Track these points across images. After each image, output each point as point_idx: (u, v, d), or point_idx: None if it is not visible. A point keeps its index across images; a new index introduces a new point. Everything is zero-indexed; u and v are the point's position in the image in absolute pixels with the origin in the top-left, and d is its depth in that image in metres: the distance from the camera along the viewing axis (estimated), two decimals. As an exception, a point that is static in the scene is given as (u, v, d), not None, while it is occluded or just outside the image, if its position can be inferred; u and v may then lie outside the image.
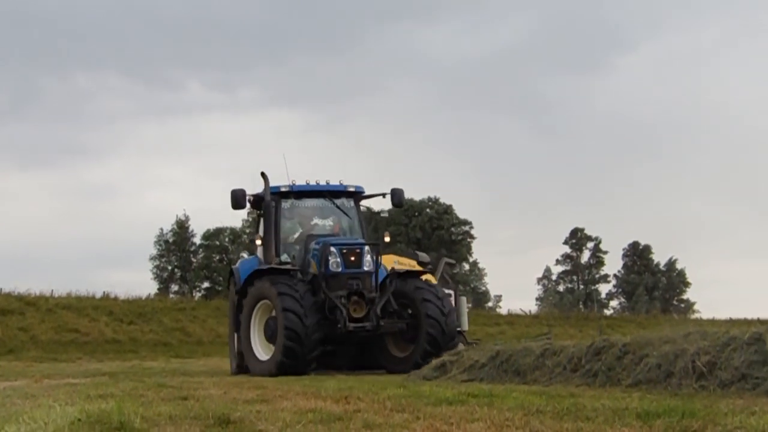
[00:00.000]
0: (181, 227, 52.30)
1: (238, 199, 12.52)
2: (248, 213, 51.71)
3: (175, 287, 51.78)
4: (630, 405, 4.56)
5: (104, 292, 30.74)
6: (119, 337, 27.19)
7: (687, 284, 61.03)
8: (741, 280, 73.47)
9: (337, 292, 11.30)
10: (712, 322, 30.27)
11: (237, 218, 66.20)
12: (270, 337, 11.24)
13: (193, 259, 52.54)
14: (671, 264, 61.60)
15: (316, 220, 13.02)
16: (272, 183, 12.36)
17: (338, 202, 12.90)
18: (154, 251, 51.98)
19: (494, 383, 7.44)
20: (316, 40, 78.20)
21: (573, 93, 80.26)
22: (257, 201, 12.74)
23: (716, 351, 6.16)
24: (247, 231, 51.10)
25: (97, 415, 4.43)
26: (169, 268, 52.40)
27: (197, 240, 52.41)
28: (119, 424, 4.18)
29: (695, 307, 58.22)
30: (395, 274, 11.96)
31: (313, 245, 11.99)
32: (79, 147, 73.26)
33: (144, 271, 53.10)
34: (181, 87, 75.85)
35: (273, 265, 11.72)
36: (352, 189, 13.01)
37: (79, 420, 4.33)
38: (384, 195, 13.28)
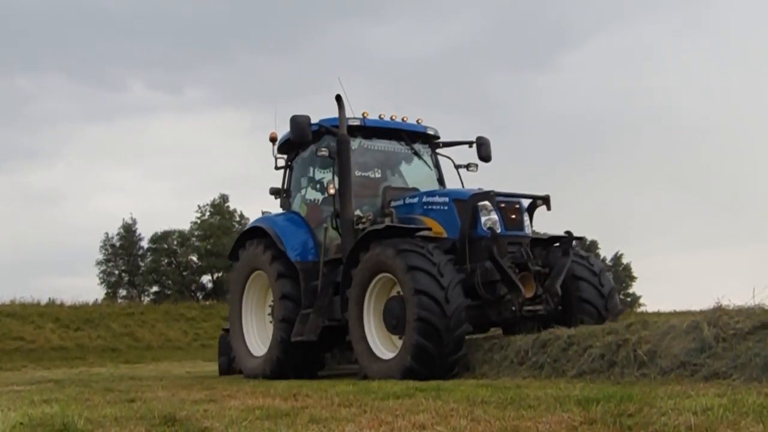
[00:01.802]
0: (128, 231, 51.46)
1: (303, 128, 9.42)
2: (197, 214, 51.18)
3: (123, 292, 50.92)
4: (571, 393, 4.67)
5: (50, 299, 30.24)
6: (66, 344, 26.71)
7: (633, 278, 62.31)
8: (683, 271, 75.35)
9: (485, 263, 8.15)
10: (657, 315, 31.05)
11: (185, 221, 65.53)
12: (395, 327, 8.08)
13: (141, 263, 51.73)
14: (617, 258, 62.86)
15: (388, 168, 10.50)
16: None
17: (415, 146, 10.45)
18: (100, 256, 51.07)
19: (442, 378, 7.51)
20: (263, 38, 77.79)
21: (520, 91, 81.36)
22: (292, 142, 10.16)
23: (656, 340, 6.33)
24: (196, 234, 50.58)
25: (39, 419, 4.37)
26: (117, 272, 51.51)
27: (145, 244, 51.62)
28: (62, 427, 4.13)
29: (641, 300, 59.49)
30: (536, 241, 8.92)
31: (410, 199, 9.28)
32: (20, 150, 71.38)
33: (90, 276, 52.10)
34: (125, 87, 74.49)
35: (392, 224, 8.76)
36: (431, 132, 10.55)
37: (22, 424, 4.27)
38: (470, 144, 10.69)
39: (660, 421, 3.42)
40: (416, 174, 10.52)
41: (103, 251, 51.08)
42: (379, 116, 10.14)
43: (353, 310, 8.46)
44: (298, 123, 9.44)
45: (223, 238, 48.94)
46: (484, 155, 10.65)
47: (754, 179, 76.29)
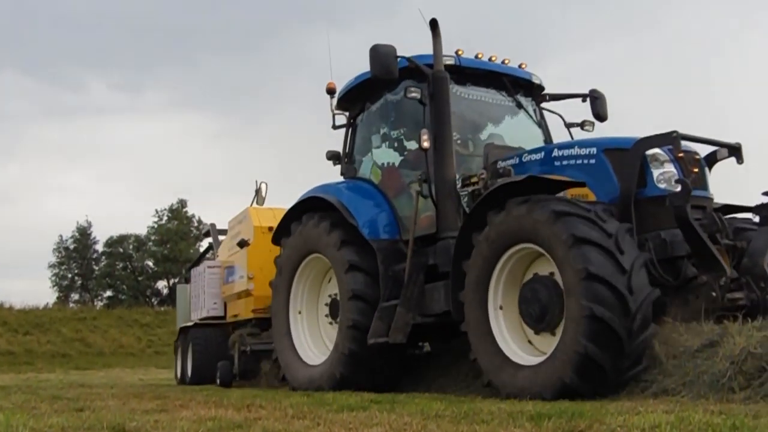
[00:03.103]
0: (83, 234, 50.67)
1: (387, 62, 7.32)
2: (154, 218, 50.48)
3: (75, 296, 50.06)
4: (525, 408, 4.71)
5: (-2, 302, 29.57)
6: (14, 349, 26.18)
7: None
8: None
9: (662, 233, 6.15)
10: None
11: (142, 225, 64.67)
12: (537, 319, 6.05)
13: (95, 267, 50.96)
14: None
15: (487, 122, 8.60)
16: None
17: (517, 98, 8.53)
18: (53, 259, 50.17)
19: (397, 391, 7.51)
20: (226, 41, 77.27)
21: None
22: (356, 94, 8.62)
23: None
24: (152, 238, 49.94)
25: (-18, 429, 4.26)
26: (69, 276, 50.64)
27: (99, 247, 50.88)
28: (6, 437, 4.03)
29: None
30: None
31: (531, 155, 7.22)
32: (-28, 149, 69.88)
33: (42, 279, 51.13)
34: (83, 88, 73.43)
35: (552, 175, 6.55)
36: (537, 81, 8.62)
37: (-38, 434, 4.15)
38: (584, 97, 8.76)
39: (609, 437, 3.47)
40: (519, 132, 8.44)
41: (57, 254, 50.29)
42: (476, 56, 8.22)
43: (473, 296, 6.37)
44: (382, 55, 7.30)
45: (181, 243, 48.50)
46: (600, 112, 8.71)
47: None
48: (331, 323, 8.49)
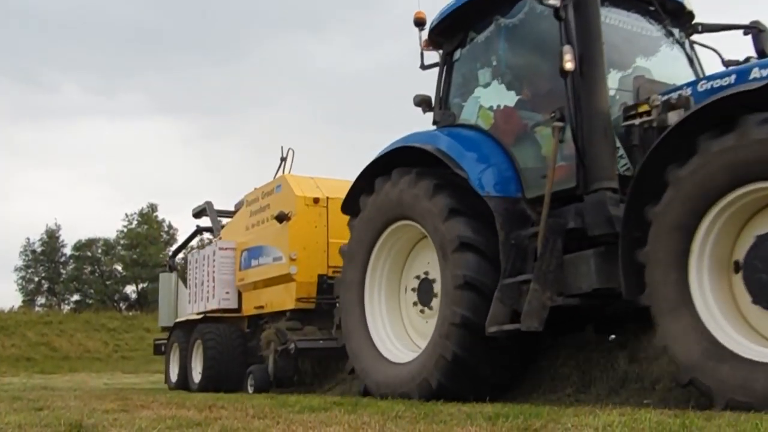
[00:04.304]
0: (51, 237, 50.04)
1: None
2: (124, 222, 49.96)
3: (41, 300, 49.39)
4: (483, 410, 4.77)
5: (-39, 304, 29.14)
6: (-23, 352, 25.73)
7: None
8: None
9: None
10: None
11: (111, 229, 63.98)
12: None
13: (63, 271, 50.33)
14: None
15: (633, 53, 6.85)
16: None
17: (667, 28, 6.94)
18: (19, 261, 49.49)
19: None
20: (203, 48, 76.95)
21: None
22: (457, 22, 7.21)
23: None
24: (122, 243, 49.46)
25: (-63, 425, 4.21)
26: (36, 279, 49.97)
27: (68, 251, 50.27)
28: (-39, 433, 3.99)
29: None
30: None
31: (714, 80, 5.50)
32: (-61, 149, 68.80)
33: (7, 282, 50.42)
34: (56, 89, 72.67)
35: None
36: (689, 8, 7.01)
37: None
38: (745, 30, 7.02)
39: (562, 436, 3.53)
40: (667, 67, 6.86)
41: (23, 257, 49.58)
42: None
43: (662, 263, 4.79)
44: None
45: (150, 248, 48.09)
46: (765, 48, 6.98)
47: None
48: (422, 311, 6.85)
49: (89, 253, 49.87)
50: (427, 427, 4.11)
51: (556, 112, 5.80)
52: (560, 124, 5.73)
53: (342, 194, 7.80)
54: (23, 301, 46.66)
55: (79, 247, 49.53)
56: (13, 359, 25.56)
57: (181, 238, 49.57)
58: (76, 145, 73.28)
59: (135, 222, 50.28)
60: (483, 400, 5.64)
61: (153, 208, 50.95)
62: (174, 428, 4.20)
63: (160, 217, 51.19)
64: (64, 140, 72.39)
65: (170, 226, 50.77)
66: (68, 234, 54.28)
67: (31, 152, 72.25)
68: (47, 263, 49.81)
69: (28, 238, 49.94)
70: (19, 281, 49.23)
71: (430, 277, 6.74)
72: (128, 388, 13.13)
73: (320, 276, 9.67)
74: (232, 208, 12.48)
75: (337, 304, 7.84)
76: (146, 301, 45.33)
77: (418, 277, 6.94)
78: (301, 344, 9.11)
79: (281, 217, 9.69)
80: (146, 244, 48.30)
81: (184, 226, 55.28)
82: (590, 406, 5.06)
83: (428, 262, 6.76)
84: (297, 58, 75.96)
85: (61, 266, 50.33)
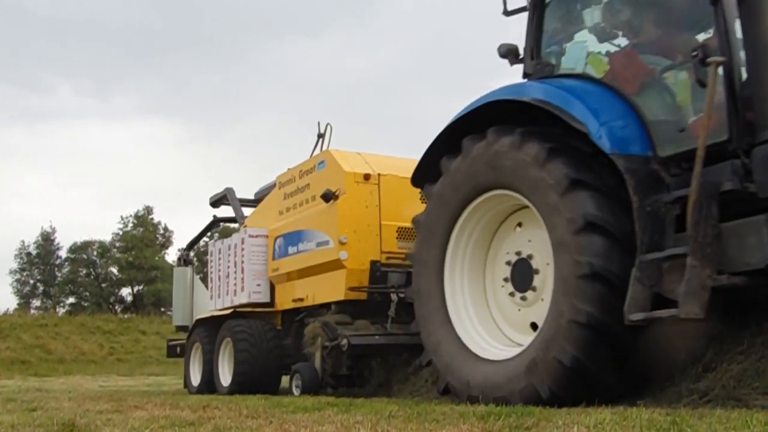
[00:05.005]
0: (46, 239, 49.99)
1: None
2: (119, 225, 49.91)
3: (36, 303, 49.32)
4: (476, 410, 4.78)
5: (-44, 307, 29.10)
6: (-29, 355, 25.68)
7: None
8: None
9: None
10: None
11: (107, 231, 63.91)
12: None
13: (58, 274, 50.26)
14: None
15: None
16: None
17: None
18: (14, 264, 49.44)
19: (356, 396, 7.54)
20: (196, 49, 76.93)
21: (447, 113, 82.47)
22: None
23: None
24: (117, 245, 49.40)
25: (-70, 425, 4.22)
26: (31, 282, 49.91)
27: (63, 253, 50.21)
28: (-46, 433, 4.00)
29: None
30: None
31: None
32: (-66, 152, 68.63)
33: (2, 285, 50.33)
34: (50, 91, 72.55)
35: None
36: None
37: None
38: None
39: (554, 434, 3.55)
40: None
41: (18, 260, 49.52)
42: None
43: None
44: None
45: (146, 250, 48.03)
46: None
47: None
48: (522, 297, 5.78)
49: (84, 256, 49.80)
50: (420, 426, 4.12)
51: (698, 50, 4.69)
52: (720, 59, 4.56)
53: (394, 171, 7.08)
54: (18, 304, 46.65)
55: (75, 249, 49.47)
56: (8, 362, 25.48)
57: (178, 240, 49.84)
58: (71, 148, 73.22)
59: (130, 224, 50.24)
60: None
61: (148, 210, 50.94)
62: (167, 428, 4.21)
63: (155, 220, 51.18)
64: (59, 143, 72.37)
65: (166, 229, 50.75)
66: (63, 236, 54.35)
67: (26, 155, 72.24)
68: (42, 266, 49.77)
69: (23, 241, 50.03)
70: (14, 284, 49.26)
71: (528, 256, 5.70)
72: (123, 390, 13.11)
73: (372, 263, 8.40)
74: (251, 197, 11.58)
75: (394, 295, 7.09)
76: (142, 304, 45.31)
77: (510, 258, 5.86)
78: (354, 340, 7.89)
79: (327, 196, 8.47)
80: (142, 247, 48.26)
81: (179, 228, 55.24)
82: (583, 404, 5.08)
83: (529, 240, 5.73)
84: (291, 60, 76.02)
85: (56, 269, 50.28)
